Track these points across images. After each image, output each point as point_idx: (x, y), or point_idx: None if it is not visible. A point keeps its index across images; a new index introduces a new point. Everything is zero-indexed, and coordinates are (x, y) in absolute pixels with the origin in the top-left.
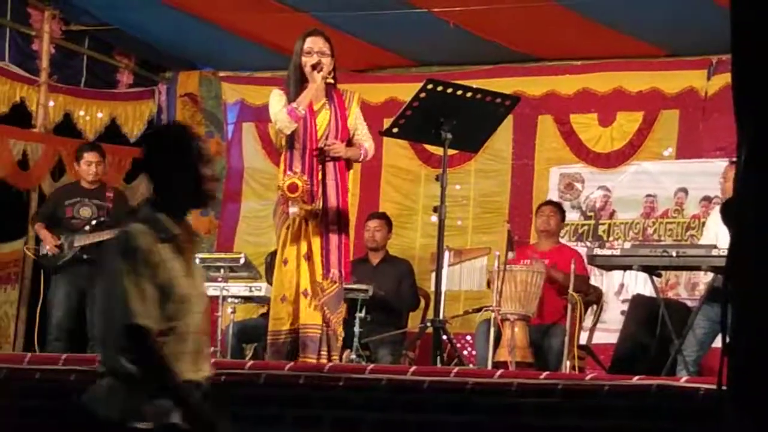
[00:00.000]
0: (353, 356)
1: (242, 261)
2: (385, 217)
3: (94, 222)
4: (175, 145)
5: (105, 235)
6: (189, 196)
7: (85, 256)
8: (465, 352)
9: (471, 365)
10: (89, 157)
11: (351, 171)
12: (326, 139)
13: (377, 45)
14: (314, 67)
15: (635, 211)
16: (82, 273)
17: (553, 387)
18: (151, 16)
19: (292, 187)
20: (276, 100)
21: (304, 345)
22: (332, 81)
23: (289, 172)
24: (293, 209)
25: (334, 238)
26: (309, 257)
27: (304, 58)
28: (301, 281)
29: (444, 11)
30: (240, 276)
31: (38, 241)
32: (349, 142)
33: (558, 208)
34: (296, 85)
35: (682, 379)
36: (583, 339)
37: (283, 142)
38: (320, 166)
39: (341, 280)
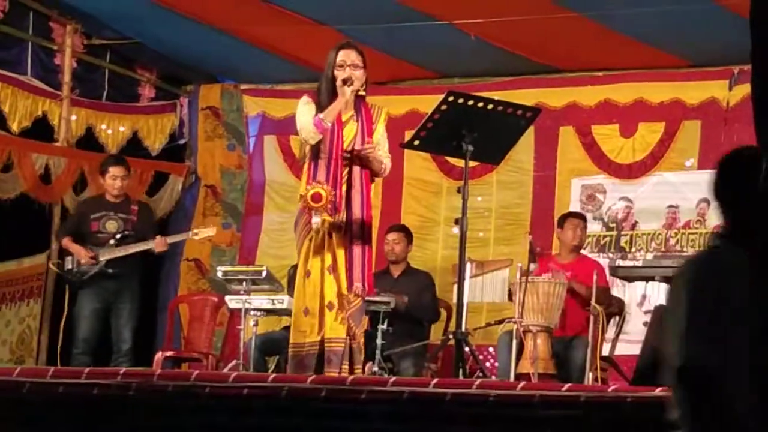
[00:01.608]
0: (375, 368)
1: (264, 274)
2: (404, 230)
3: (119, 236)
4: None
5: (131, 249)
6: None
7: (110, 271)
8: (487, 364)
9: (493, 377)
10: (114, 171)
11: (373, 183)
12: (351, 151)
13: (399, 57)
14: (345, 81)
15: (657, 222)
16: (108, 287)
17: (576, 399)
18: (172, 29)
19: (316, 197)
20: (305, 109)
21: (328, 359)
22: (363, 93)
23: (312, 182)
24: (316, 219)
25: (357, 251)
26: (334, 269)
27: (336, 71)
28: (326, 293)
29: (465, 23)
30: (262, 289)
31: (62, 255)
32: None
33: (585, 220)
34: (327, 96)
35: None
36: (606, 350)
37: (307, 151)
38: (344, 178)
39: (364, 294)
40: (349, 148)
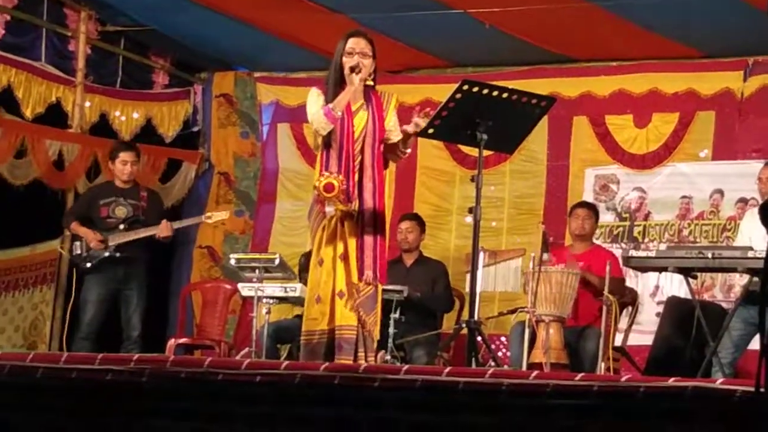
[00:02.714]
0: (388, 357)
1: (277, 261)
2: (417, 218)
3: (128, 221)
4: None
5: (140, 234)
6: None
7: (118, 255)
8: (499, 354)
9: (505, 366)
10: (125, 156)
11: (386, 171)
12: (363, 140)
13: (413, 46)
14: (353, 69)
15: (671, 212)
16: (116, 272)
17: (588, 389)
18: (187, 17)
19: (329, 187)
20: (314, 100)
21: (339, 346)
22: (371, 83)
23: (325, 172)
24: (329, 209)
25: (369, 240)
26: (345, 258)
27: (344, 59)
28: (337, 282)
29: (480, 12)
30: (275, 276)
31: (72, 240)
32: (384, 144)
33: (592, 210)
34: (335, 84)
35: (718, 381)
36: (618, 340)
37: (320, 142)
38: (357, 167)
39: (376, 282)
40: (360, 137)
